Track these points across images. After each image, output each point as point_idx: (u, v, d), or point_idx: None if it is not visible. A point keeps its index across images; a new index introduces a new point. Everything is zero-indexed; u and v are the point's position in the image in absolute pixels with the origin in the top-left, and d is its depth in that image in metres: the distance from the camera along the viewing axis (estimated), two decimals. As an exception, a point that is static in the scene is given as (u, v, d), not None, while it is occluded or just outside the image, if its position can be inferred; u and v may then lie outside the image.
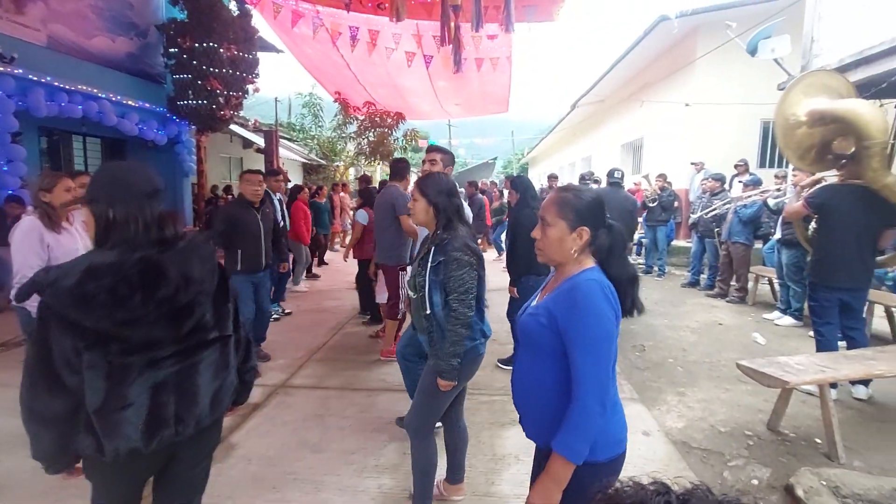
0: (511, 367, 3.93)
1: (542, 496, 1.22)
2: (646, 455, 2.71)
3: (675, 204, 8.26)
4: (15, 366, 1.47)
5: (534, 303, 1.42)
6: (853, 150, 3.23)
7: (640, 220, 8.17)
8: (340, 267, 8.13)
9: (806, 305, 4.69)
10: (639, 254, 9.46)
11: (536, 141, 27.33)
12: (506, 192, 7.34)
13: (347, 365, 4.08)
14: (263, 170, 5.38)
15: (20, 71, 5.94)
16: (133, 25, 8.22)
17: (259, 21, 8.52)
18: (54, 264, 1.85)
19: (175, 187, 9.51)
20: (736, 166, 7.33)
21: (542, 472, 1.25)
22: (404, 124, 14.28)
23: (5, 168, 5.77)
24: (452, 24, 5.34)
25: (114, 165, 1.58)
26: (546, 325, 1.28)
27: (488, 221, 10.06)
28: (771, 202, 5.76)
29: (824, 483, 2.27)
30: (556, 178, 10.66)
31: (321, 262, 9.08)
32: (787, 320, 5.30)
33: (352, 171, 16.73)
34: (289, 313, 5.68)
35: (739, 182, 6.75)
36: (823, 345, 3.41)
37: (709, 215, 6.66)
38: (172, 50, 7.98)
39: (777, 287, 5.77)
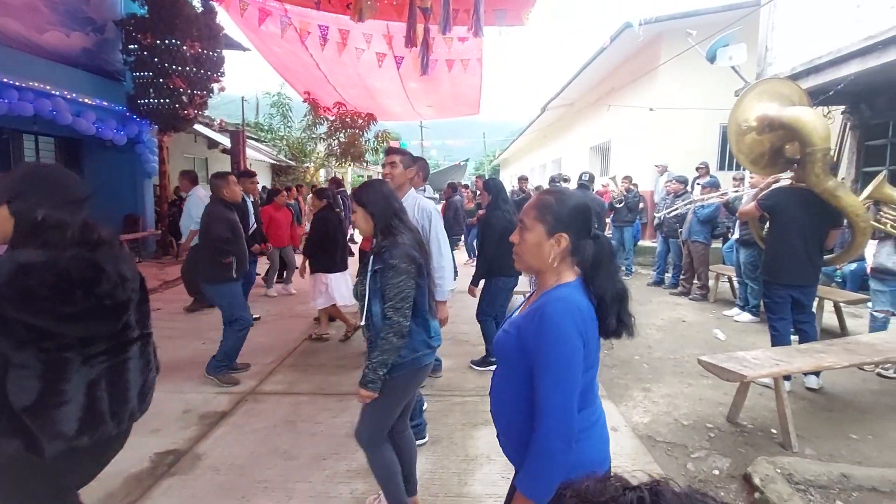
0: (482, 368, 3.98)
1: None
2: (613, 450, 2.74)
3: (641, 205, 8.52)
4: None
5: (515, 315, 1.36)
6: (800, 154, 3.42)
7: (608, 221, 8.40)
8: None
9: (762, 302, 4.92)
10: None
11: (508, 143, 27.65)
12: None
13: (319, 370, 4.03)
14: (229, 171, 5.28)
15: (-36, 66, 5.62)
16: (89, 20, 7.88)
17: (224, 18, 8.32)
18: None
19: (136, 189, 9.17)
20: (697, 169, 7.61)
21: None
22: (376, 125, 14.18)
23: (-52, 169, 5.45)
24: (421, 27, 5.34)
25: (41, 166, 1.57)
26: (515, 345, 1.21)
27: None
28: (731, 195, 6.02)
29: (779, 471, 2.40)
30: (526, 179, 10.80)
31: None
32: (746, 316, 5.54)
33: (322, 172, 16.50)
34: (257, 318, 5.56)
35: (698, 185, 7.03)
36: (778, 339, 3.59)
37: (671, 215, 6.90)
38: (132, 46, 7.69)
39: (736, 285, 6.03)
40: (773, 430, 3.01)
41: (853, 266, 5.84)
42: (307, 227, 10.50)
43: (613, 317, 1.22)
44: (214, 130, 12.28)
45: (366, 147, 14.29)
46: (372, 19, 5.64)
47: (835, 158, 7.06)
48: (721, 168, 9.85)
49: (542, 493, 1.11)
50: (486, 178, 4.92)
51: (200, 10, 8.14)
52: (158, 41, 7.50)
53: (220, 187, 3.72)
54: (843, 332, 4.87)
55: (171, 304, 5.65)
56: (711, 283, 6.55)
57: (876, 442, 2.91)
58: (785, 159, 3.58)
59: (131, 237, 8.81)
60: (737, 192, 6.12)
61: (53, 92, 6.76)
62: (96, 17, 7.99)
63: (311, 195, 5.85)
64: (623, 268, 8.50)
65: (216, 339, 3.76)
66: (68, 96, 7.06)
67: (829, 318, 5.10)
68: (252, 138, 15.69)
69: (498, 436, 1.35)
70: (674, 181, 7.15)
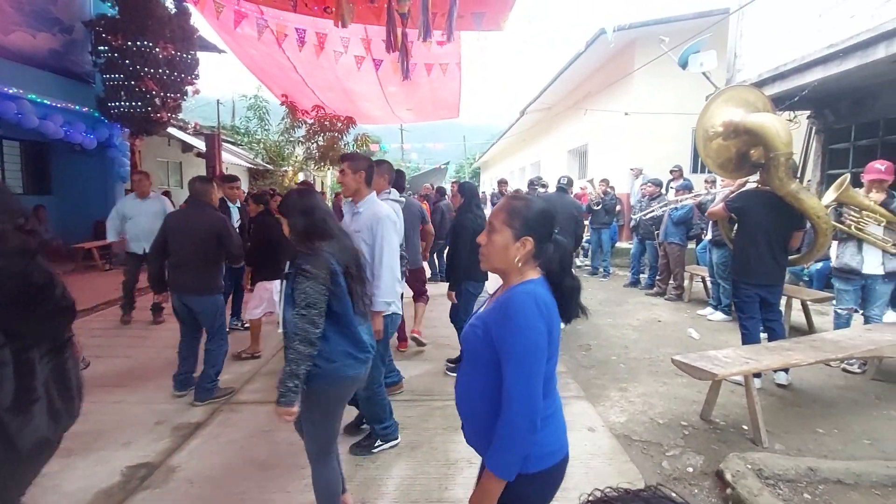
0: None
1: None
2: (591, 450, 2.83)
3: (618, 207, 8.68)
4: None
5: (480, 310, 1.43)
6: (764, 159, 3.54)
7: (586, 223, 8.52)
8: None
9: (733, 302, 5.06)
10: (585, 255, 9.85)
11: (488, 146, 27.82)
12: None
13: (297, 376, 3.97)
14: (205, 175, 5.17)
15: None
16: (56, 21, 7.65)
17: (199, 20, 8.17)
18: None
19: (107, 194, 8.92)
20: (671, 172, 7.79)
21: (477, 485, 1.29)
22: (355, 129, 14.11)
23: None
24: (400, 31, 5.34)
25: None
26: (482, 337, 1.28)
27: None
28: (703, 197, 6.19)
29: (749, 466, 2.47)
30: (506, 182, 10.88)
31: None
32: (719, 316, 5.69)
33: (301, 175, 16.32)
34: (247, 327, 5.35)
35: (672, 188, 7.20)
36: (748, 338, 3.70)
37: (647, 217, 7.04)
38: (102, 48, 7.49)
39: (709, 285, 6.18)
40: (745, 427, 3.09)
41: (819, 266, 6.05)
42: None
43: (571, 307, 1.37)
44: (189, 134, 12.05)
45: (345, 150, 14.20)
46: (350, 23, 5.62)
47: (801, 162, 7.33)
48: (694, 171, 10.11)
49: (510, 468, 1.20)
50: (461, 181, 4.98)
51: (174, 11, 7.98)
52: (130, 43, 7.31)
53: (207, 192, 3.53)
54: (810, 329, 5.04)
55: (141, 313, 5.50)
56: (686, 283, 6.71)
57: (840, 435, 3.02)
58: (751, 163, 3.70)
59: (101, 244, 8.57)
60: (709, 194, 6.28)
61: (18, 94, 6.54)
62: (64, 17, 7.76)
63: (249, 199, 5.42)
64: (601, 269, 8.66)
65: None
66: (35, 99, 6.83)
67: (797, 316, 5.28)
68: (228, 141, 15.42)
69: (462, 426, 1.42)
70: (649, 184, 7.30)
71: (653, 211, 6.93)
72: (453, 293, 3.89)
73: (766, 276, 3.60)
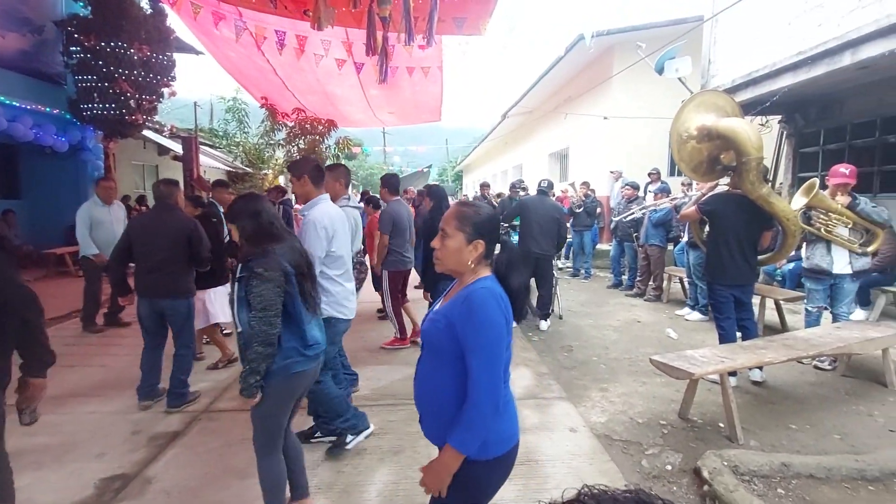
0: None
1: (433, 479, 1.36)
2: (572, 451, 2.86)
3: (599, 210, 8.81)
4: None
5: (436, 307, 1.49)
6: (736, 163, 3.64)
7: (568, 225, 8.62)
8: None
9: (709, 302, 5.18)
10: (567, 257, 9.96)
11: (471, 149, 27.92)
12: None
13: (278, 383, 3.92)
14: (182, 178, 5.08)
15: None
16: (26, 20, 7.42)
17: (176, 21, 8.03)
18: None
19: (80, 197, 8.67)
20: (649, 175, 7.94)
21: (436, 458, 1.37)
22: (336, 132, 14.01)
23: None
24: (380, 35, 5.34)
25: None
26: (444, 331, 1.36)
27: None
28: (679, 200, 6.34)
29: (726, 463, 2.53)
30: (488, 186, 10.95)
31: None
32: (696, 315, 5.82)
33: (281, 178, 16.12)
34: (228, 334, 5.27)
35: (650, 191, 7.34)
36: (725, 337, 3.79)
37: (627, 220, 7.16)
38: (74, 49, 7.30)
39: (687, 285, 6.31)
40: (721, 424, 3.16)
41: (791, 266, 6.24)
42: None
43: (520, 307, 1.44)
44: (165, 136, 11.82)
45: (326, 154, 14.09)
46: (330, 27, 5.59)
47: (773, 165, 7.56)
48: (672, 174, 10.31)
49: (470, 445, 1.30)
50: (431, 185, 4.98)
51: (149, 11, 7.83)
52: (103, 43, 7.15)
53: (173, 195, 3.49)
54: (783, 327, 5.19)
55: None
56: (664, 284, 6.84)
57: (812, 431, 3.11)
58: (722, 167, 3.80)
59: (74, 249, 8.33)
60: (685, 197, 6.43)
61: (-15, 95, 6.34)
62: (34, 17, 7.54)
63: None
64: (583, 271, 8.77)
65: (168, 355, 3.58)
66: (3, 101, 6.62)
67: (771, 315, 5.42)
68: (206, 144, 15.16)
69: (421, 420, 1.47)
70: (627, 187, 7.45)
71: (632, 213, 7.06)
72: (429, 293, 3.92)
73: (738, 277, 3.70)
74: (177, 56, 8.52)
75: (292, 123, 13.29)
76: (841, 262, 4.02)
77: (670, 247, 7.14)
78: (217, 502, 2.39)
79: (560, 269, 9.24)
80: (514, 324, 1.43)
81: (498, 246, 1.48)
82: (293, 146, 13.75)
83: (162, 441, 2.98)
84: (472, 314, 1.30)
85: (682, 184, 7.01)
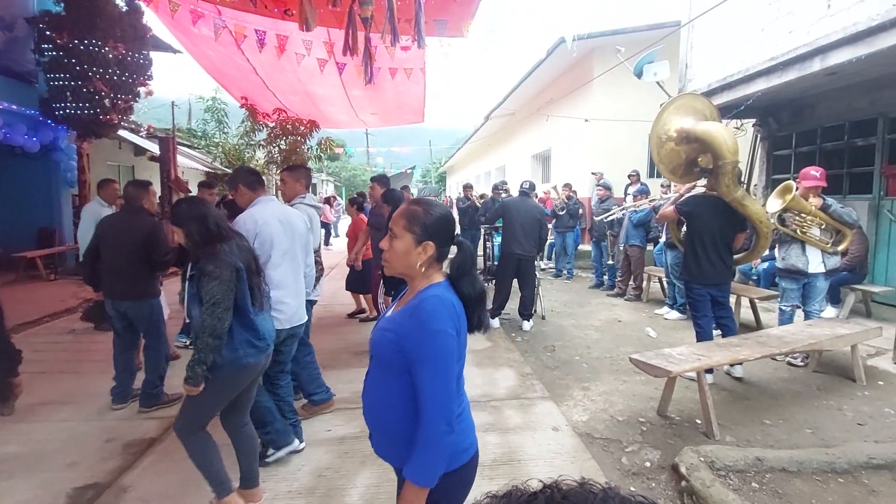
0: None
1: None
2: (554, 449, 2.89)
3: (581, 211, 8.92)
4: None
5: (388, 313, 1.40)
6: (712, 166, 3.73)
7: (550, 227, 8.71)
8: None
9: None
10: (549, 258, 10.05)
11: (454, 150, 27.98)
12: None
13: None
14: (159, 180, 4.98)
15: None
16: (-5, 16, 7.19)
17: (153, 19, 7.87)
18: None
19: (52, 200, 8.45)
20: (629, 176, 8.07)
21: (399, 497, 1.26)
22: (318, 132, 13.88)
23: None
24: (362, 35, 5.31)
25: None
26: (393, 341, 1.27)
27: None
28: (658, 201, 6.48)
29: (702, 459, 2.58)
30: (471, 187, 10.98)
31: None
32: (675, 314, 5.93)
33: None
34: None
35: (629, 193, 7.48)
36: (702, 336, 3.88)
37: (607, 220, 7.27)
38: (46, 46, 7.08)
39: (665, 285, 6.43)
40: (698, 421, 3.23)
41: (765, 266, 6.41)
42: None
43: (477, 315, 1.34)
44: (141, 136, 11.55)
45: (308, 155, 13.95)
46: (314, 26, 5.54)
47: (748, 167, 7.75)
48: (651, 175, 10.49)
49: (431, 476, 1.20)
50: (387, 189, 4.85)
51: (125, 9, 7.64)
52: (76, 41, 6.94)
53: (141, 197, 3.51)
54: (758, 325, 5.32)
55: (90, 324, 5.23)
56: (644, 283, 6.95)
57: (785, 426, 3.20)
58: (700, 169, 3.89)
59: (45, 252, 8.10)
60: (664, 198, 6.55)
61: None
62: (5, 13, 7.31)
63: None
64: (565, 272, 8.86)
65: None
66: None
67: (745, 313, 5.56)
68: (184, 144, 14.89)
69: (371, 437, 1.40)
70: (600, 187, 7.66)
71: (612, 214, 7.17)
72: (389, 298, 3.92)
73: (714, 276, 3.80)
74: (154, 55, 8.33)
75: (273, 124, 13.12)
76: (815, 262, 4.15)
77: (650, 247, 7.27)
78: (195, 509, 2.35)
79: (542, 269, 9.32)
80: (481, 332, 1.37)
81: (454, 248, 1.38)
82: (274, 147, 13.58)
83: (137, 448, 2.91)
84: (421, 325, 1.21)
85: (662, 185, 7.15)
